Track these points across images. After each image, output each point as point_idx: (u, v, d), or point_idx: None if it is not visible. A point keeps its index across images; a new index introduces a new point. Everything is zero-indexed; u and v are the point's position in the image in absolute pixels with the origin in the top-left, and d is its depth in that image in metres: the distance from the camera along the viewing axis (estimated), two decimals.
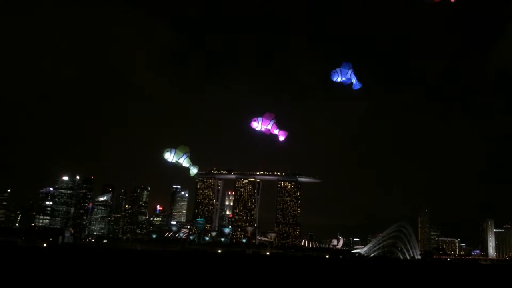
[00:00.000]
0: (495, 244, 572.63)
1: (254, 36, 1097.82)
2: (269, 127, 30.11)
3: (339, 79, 30.83)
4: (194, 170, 32.99)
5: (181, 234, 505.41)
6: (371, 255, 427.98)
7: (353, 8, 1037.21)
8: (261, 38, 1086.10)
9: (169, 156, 32.39)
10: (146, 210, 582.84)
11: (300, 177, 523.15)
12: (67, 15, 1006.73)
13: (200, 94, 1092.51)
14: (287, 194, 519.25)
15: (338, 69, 30.71)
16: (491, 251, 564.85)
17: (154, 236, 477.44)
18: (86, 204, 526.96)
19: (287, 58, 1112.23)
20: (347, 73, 30.87)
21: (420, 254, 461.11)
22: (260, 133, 30.11)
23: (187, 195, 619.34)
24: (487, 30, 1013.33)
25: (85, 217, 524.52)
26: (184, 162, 32.48)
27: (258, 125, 30.26)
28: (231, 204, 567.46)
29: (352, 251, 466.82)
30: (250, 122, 30.01)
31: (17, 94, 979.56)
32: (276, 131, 30.63)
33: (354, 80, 31.40)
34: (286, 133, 31.06)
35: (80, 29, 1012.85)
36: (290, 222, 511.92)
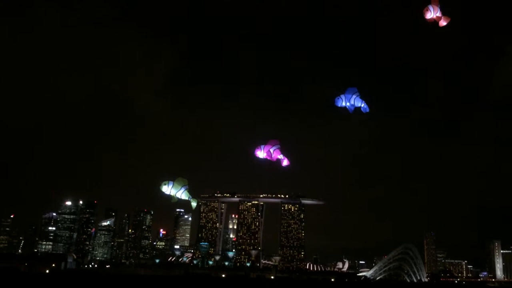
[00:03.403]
0: (503, 265, 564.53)
1: (256, 55, 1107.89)
2: (272, 151, 29.51)
3: (343, 105, 29.75)
4: (194, 203, 31.79)
5: (185, 259, 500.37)
6: (377, 278, 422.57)
7: (358, 29, 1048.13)
8: (263, 57, 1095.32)
9: (167, 189, 31.10)
10: (149, 235, 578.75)
11: (304, 200, 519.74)
12: (67, 39, 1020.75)
13: (202, 116, 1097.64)
14: (291, 217, 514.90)
15: (342, 95, 29.56)
16: (499, 273, 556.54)
17: (157, 260, 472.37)
18: (89, 229, 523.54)
19: (290, 78, 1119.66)
20: (351, 98, 29.55)
21: (427, 277, 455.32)
22: (264, 160, 29.42)
23: (190, 218, 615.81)
24: (489, 52, 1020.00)
25: (88, 242, 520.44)
26: (183, 195, 31.01)
27: (261, 153, 29.43)
28: (235, 227, 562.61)
29: (357, 274, 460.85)
30: (254, 151, 29.35)
31: (18, 120, 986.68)
32: (280, 156, 29.79)
33: (362, 104, 30.40)
34: (289, 161, 30.08)
35: (82, 55, 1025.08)
36: (295, 245, 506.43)
